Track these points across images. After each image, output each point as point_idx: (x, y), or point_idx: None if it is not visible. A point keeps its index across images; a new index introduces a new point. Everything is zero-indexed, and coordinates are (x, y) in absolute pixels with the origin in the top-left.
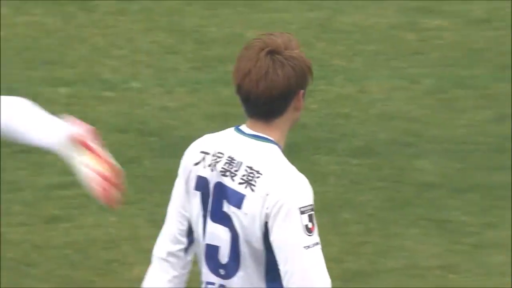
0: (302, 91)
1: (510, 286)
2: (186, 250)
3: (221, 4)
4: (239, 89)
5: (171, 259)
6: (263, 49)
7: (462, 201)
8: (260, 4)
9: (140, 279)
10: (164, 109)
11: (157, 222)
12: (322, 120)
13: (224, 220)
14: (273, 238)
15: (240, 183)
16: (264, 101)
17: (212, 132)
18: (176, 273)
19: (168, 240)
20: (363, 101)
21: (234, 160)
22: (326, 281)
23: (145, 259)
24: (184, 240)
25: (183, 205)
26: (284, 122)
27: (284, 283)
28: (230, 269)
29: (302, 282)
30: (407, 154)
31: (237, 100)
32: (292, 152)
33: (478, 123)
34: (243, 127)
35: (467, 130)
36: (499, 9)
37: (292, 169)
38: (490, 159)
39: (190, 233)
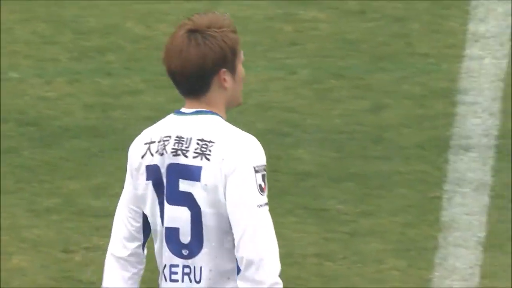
0: (223, 70)
1: (385, 273)
2: (143, 245)
3: None
4: (166, 67)
5: (129, 257)
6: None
7: (338, 190)
8: None
9: (19, 268)
10: (43, 99)
11: (37, 212)
12: None
13: (182, 200)
14: (227, 197)
15: (194, 157)
16: (182, 79)
17: (91, 123)
18: (135, 270)
19: (123, 239)
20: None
21: (182, 138)
22: (274, 241)
23: (24, 249)
24: (140, 236)
25: (134, 202)
26: (215, 98)
27: (236, 242)
28: (193, 247)
29: (252, 240)
30: (284, 144)
31: (116, 90)
32: None
33: (354, 113)
34: (182, 109)
35: (343, 120)
36: (373, 1)
37: (242, 132)
38: (365, 148)
39: (145, 228)
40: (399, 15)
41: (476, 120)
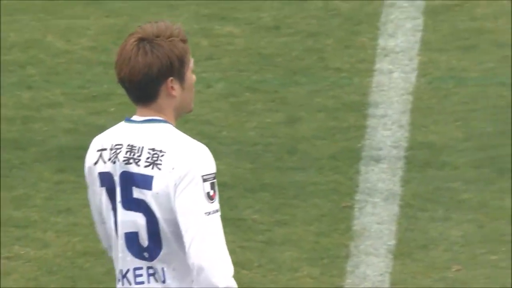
0: (171, 78)
1: (299, 281)
2: None
3: (20, 10)
4: (116, 74)
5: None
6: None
7: (253, 200)
8: (60, 10)
9: None
10: None
11: None
12: (118, 122)
13: (137, 206)
14: (177, 205)
15: (146, 166)
16: (131, 86)
17: (12, 136)
18: None
19: (106, 244)
20: None
21: (134, 147)
22: (223, 246)
23: None
24: None
25: (96, 209)
26: (163, 106)
27: (186, 249)
28: (152, 250)
29: (201, 247)
30: None
31: (37, 103)
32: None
33: (269, 125)
34: (133, 117)
35: (258, 132)
36: (287, 17)
37: (192, 140)
38: (280, 159)
39: None
40: (313, 30)
41: (386, 132)
